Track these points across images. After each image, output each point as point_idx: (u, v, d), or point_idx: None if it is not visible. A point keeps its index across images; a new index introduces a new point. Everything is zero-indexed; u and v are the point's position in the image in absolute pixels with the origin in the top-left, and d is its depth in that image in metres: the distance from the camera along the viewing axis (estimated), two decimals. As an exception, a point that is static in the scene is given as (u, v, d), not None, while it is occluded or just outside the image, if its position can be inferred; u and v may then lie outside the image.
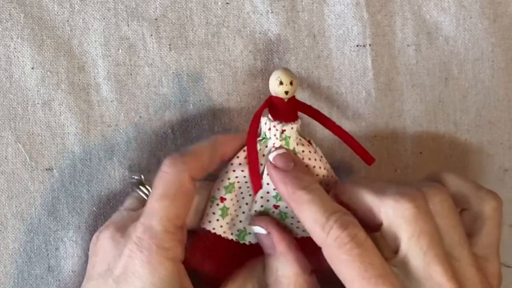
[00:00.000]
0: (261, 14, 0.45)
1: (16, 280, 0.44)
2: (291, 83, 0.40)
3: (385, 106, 0.47)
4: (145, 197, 0.42)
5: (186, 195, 0.39)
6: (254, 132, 0.41)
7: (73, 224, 0.44)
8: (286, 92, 0.40)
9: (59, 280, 0.44)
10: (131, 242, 0.38)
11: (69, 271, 0.44)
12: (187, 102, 0.45)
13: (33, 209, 0.44)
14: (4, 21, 0.44)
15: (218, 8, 0.45)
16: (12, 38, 0.44)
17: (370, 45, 0.46)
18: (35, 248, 0.44)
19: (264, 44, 0.45)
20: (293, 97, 0.41)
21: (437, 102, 0.47)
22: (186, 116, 0.45)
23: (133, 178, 0.43)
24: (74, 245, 0.44)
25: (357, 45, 0.46)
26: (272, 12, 0.45)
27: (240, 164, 0.41)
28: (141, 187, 0.42)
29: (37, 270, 0.44)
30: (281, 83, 0.40)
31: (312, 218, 0.37)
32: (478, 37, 0.47)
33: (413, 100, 0.47)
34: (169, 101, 0.45)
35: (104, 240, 0.40)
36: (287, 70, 0.40)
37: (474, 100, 0.48)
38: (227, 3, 0.45)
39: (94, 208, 0.45)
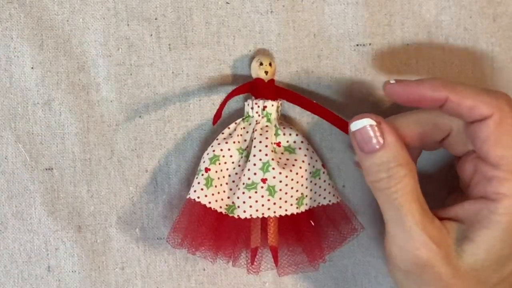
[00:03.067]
0: (261, 14, 0.45)
1: (16, 280, 0.44)
2: (270, 64, 0.44)
3: (385, 106, 0.47)
4: None
5: None
6: (230, 94, 0.43)
7: (73, 224, 0.44)
8: (266, 72, 0.43)
9: (59, 280, 0.44)
10: None
11: (69, 271, 0.44)
12: (187, 102, 0.45)
13: (33, 209, 0.44)
14: (4, 21, 0.43)
15: (218, 8, 0.45)
16: (12, 38, 0.44)
17: (370, 45, 0.46)
18: (35, 248, 0.44)
19: (264, 44, 0.45)
20: (273, 80, 0.44)
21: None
22: (186, 116, 0.45)
23: None
24: (74, 245, 0.44)
25: (357, 45, 0.46)
26: (272, 12, 0.45)
27: (224, 138, 0.43)
28: None
29: (37, 270, 0.44)
30: (261, 64, 0.43)
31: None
32: (478, 36, 0.47)
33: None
34: (169, 101, 0.45)
35: None
36: (266, 53, 0.45)
37: (474, 100, 0.48)
38: (227, 3, 0.45)
39: (94, 208, 0.45)
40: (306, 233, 0.44)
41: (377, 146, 0.39)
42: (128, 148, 0.45)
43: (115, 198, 0.45)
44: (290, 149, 0.44)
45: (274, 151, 0.43)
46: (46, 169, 0.44)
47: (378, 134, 0.39)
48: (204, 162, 0.43)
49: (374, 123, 0.39)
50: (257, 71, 0.44)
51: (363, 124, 0.39)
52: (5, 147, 0.44)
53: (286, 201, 0.44)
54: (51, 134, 0.44)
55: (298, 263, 0.45)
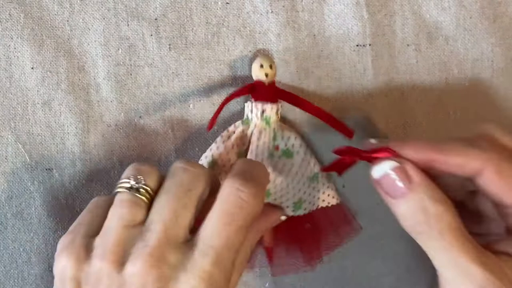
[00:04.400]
0: (261, 14, 0.45)
1: (16, 280, 0.44)
2: (270, 67, 0.43)
3: (385, 106, 0.47)
4: (147, 201, 0.37)
5: None
6: (229, 98, 0.42)
7: (73, 224, 0.44)
8: (266, 75, 0.43)
9: (59, 280, 0.44)
10: (195, 275, 0.34)
11: (69, 271, 0.44)
12: (187, 102, 0.45)
13: (33, 209, 0.44)
14: (4, 21, 0.43)
15: (218, 8, 0.45)
16: (12, 38, 0.44)
17: (370, 45, 0.46)
18: (35, 248, 0.44)
19: (264, 44, 0.45)
20: (273, 82, 0.43)
21: (437, 102, 0.47)
22: (186, 116, 0.45)
23: (133, 181, 0.37)
24: (74, 245, 0.44)
25: (357, 45, 0.46)
26: (272, 12, 0.45)
27: (223, 142, 0.43)
28: (142, 190, 0.37)
29: (37, 270, 0.44)
30: (261, 66, 0.43)
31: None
32: (478, 37, 0.47)
33: (413, 100, 0.47)
34: (169, 101, 0.45)
35: (134, 270, 0.34)
36: (267, 56, 0.44)
37: (474, 100, 0.48)
38: (227, 3, 0.45)
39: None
40: (303, 234, 0.44)
41: (408, 189, 0.37)
42: (128, 148, 0.45)
43: (115, 198, 0.45)
44: (288, 153, 0.44)
45: (272, 154, 0.43)
46: (46, 169, 0.44)
47: (404, 176, 0.37)
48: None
49: (397, 165, 0.37)
50: (258, 73, 0.43)
51: (385, 169, 0.37)
52: (5, 147, 0.44)
53: (281, 202, 0.44)
54: (51, 134, 0.44)
55: (294, 263, 0.45)
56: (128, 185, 0.37)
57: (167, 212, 0.35)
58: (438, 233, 0.36)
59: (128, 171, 0.38)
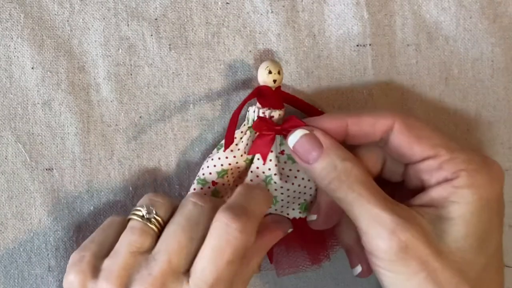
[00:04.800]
0: (261, 14, 0.45)
1: (16, 280, 0.44)
2: (278, 72, 0.42)
3: (385, 106, 0.47)
4: (156, 231, 0.39)
5: None
6: (240, 107, 0.42)
7: (73, 224, 0.44)
8: (274, 81, 0.42)
9: (59, 280, 0.44)
10: None
11: (69, 271, 0.44)
12: (187, 102, 0.45)
13: (33, 209, 0.44)
14: (4, 21, 0.43)
15: (218, 8, 0.45)
16: (12, 38, 0.44)
17: (370, 45, 0.46)
18: (35, 248, 0.44)
19: (264, 44, 0.45)
20: (279, 87, 0.43)
21: (437, 102, 0.47)
22: (186, 116, 0.45)
23: (146, 211, 0.39)
24: (74, 245, 0.44)
25: (357, 45, 0.46)
26: (272, 12, 0.45)
27: (232, 151, 0.42)
28: (152, 219, 0.39)
29: (37, 270, 0.44)
30: (270, 72, 0.42)
31: None
32: (478, 37, 0.47)
33: (413, 100, 0.47)
34: (169, 101, 0.45)
35: None
36: (275, 61, 0.43)
37: (474, 100, 0.48)
38: (227, 3, 0.45)
39: (94, 208, 0.45)
40: (309, 234, 0.44)
41: (319, 153, 0.40)
42: (128, 148, 0.45)
43: (115, 198, 0.45)
44: (293, 158, 0.43)
45: (277, 161, 0.43)
46: (46, 169, 0.44)
47: (314, 141, 0.40)
48: (210, 174, 0.42)
49: (307, 132, 0.40)
50: (266, 79, 0.42)
51: (298, 136, 0.40)
52: (5, 147, 0.44)
53: (287, 207, 0.44)
54: (51, 134, 0.44)
55: (298, 263, 0.45)
56: (140, 214, 0.39)
57: (173, 244, 0.37)
58: (347, 186, 0.38)
59: (143, 200, 0.40)
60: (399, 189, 0.42)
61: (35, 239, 0.44)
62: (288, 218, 0.44)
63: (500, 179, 0.39)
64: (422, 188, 0.40)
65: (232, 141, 0.42)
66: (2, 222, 0.44)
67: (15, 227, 0.44)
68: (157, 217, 0.39)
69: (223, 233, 0.37)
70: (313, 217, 0.43)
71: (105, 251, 0.39)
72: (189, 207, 0.39)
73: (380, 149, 0.42)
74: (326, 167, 0.39)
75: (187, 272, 0.37)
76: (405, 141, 0.39)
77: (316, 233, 0.44)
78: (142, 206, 0.39)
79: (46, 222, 0.44)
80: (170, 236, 0.38)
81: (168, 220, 0.39)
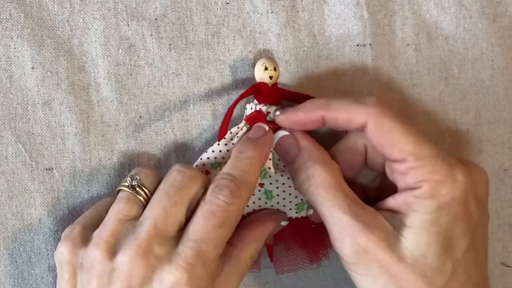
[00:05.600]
0: (261, 14, 0.45)
1: (16, 280, 0.44)
2: (274, 69, 0.43)
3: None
4: (143, 201, 0.40)
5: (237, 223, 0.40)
6: (235, 103, 0.43)
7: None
8: (271, 77, 0.43)
9: (59, 280, 0.44)
10: (178, 266, 0.37)
11: (69, 271, 0.44)
12: (187, 102, 0.45)
13: (33, 209, 0.44)
14: (4, 21, 0.43)
15: (218, 8, 0.45)
16: (12, 38, 0.44)
17: (370, 45, 0.46)
18: (35, 248, 0.44)
19: (264, 44, 0.45)
20: (276, 84, 0.43)
21: (437, 102, 0.47)
22: (186, 116, 0.45)
23: (130, 179, 0.41)
24: (74, 245, 0.44)
25: (357, 45, 0.46)
26: (272, 12, 0.45)
27: (226, 144, 0.43)
28: (138, 189, 0.41)
29: (37, 270, 0.44)
30: (266, 68, 0.43)
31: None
32: (478, 37, 0.47)
33: (413, 100, 0.47)
34: (169, 101, 0.45)
35: (123, 259, 0.38)
36: (271, 58, 0.44)
37: (474, 100, 0.48)
38: (227, 3, 0.45)
39: (94, 208, 0.45)
40: (307, 234, 0.44)
41: (295, 153, 0.41)
42: (128, 148, 0.45)
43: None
44: None
45: (271, 158, 0.43)
46: (46, 169, 0.44)
47: (294, 142, 0.42)
48: (204, 165, 0.43)
49: (287, 133, 0.42)
50: (262, 76, 0.43)
51: (278, 136, 0.42)
52: (5, 147, 0.44)
53: (284, 205, 0.44)
54: (51, 134, 0.44)
55: (297, 262, 0.45)
56: (126, 184, 0.41)
57: (158, 209, 0.39)
58: (314, 189, 0.39)
59: (130, 173, 0.42)
60: (385, 184, 0.43)
61: (35, 239, 0.44)
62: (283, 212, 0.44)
63: (474, 182, 0.39)
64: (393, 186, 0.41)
65: (225, 133, 0.43)
66: (2, 222, 0.44)
67: (15, 227, 0.44)
68: (143, 187, 0.40)
69: (215, 199, 0.38)
70: (310, 211, 0.44)
71: (96, 224, 0.40)
72: (173, 173, 0.40)
73: (363, 137, 0.42)
74: (298, 168, 0.41)
75: (174, 237, 0.38)
76: (375, 142, 0.40)
77: (315, 232, 0.44)
78: (127, 176, 0.41)
79: (46, 222, 0.44)
80: (155, 202, 0.39)
81: (155, 190, 0.40)
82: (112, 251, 0.38)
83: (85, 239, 0.39)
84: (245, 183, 0.39)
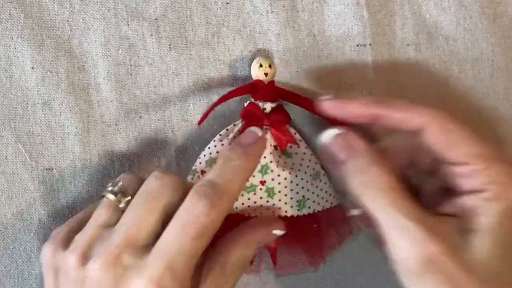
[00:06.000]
0: (261, 14, 0.45)
1: (16, 280, 0.44)
2: (269, 66, 0.43)
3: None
4: (123, 207, 0.39)
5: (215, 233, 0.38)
6: (227, 96, 0.43)
7: (73, 224, 0.44)
8: (266, 74, 0.43)
9: (59, 280, 0.44)
10: (146, 279, 0.36)
11: (69, 271, 0.44)
12: (187, 102, 0.45)
13: (33, 209, 0.44)
14: (4, 21, 0.44)
15: (218, 8, 0.45)
16: (12, 38, 0.44)
17: (370, 45, 0.46)
18: (35, 248, 0.44)
19: (264, 44, 0.45)
20: (272, 81, 0.43)
21: (437, 102, 0.47)
22: (186, 116, 0.45)
23: (112, 185, 0.40)
24: (74, 245, 0.44)
25: (357, 45, 0.46)
26: (272, 12, 0.45)
27: (221, 140, 0.43)
28: (119, 196, 0.40)
29: (37, 270, 0.44)
30: (261, 65, 0.43)
31: None
32: (478, 37, 0.47)
33: (413, 100, 0.47)
34: (169, 101, 0.45)
35: (94, 266, 0.37)
36: (266, 56, 0.45)
37: (474, 100, 0.48)
38: (227, 3, 0.45)
39: (94, 208, 0.45)
40: (307, 234, 0.44)
41: (349, 155, 0.39)
42: (128, 148, 0.45)
43: (115, 198, 0.45)
44: (287, 153, 0.44)
45: (272, 153, 0.43)
46: (46, 169, 0.44)
47: (347, 143, 0.39)
48: (200, 164, 0.43)
49: (340, 132, 0.40)
50: (257, 73, 0.43)
51: (331, 135, 0.40)
52: (5, 147, 0.44)
53: (286, 203, 0.43)
54: (51, 134, 0.44)
55: (297, 264, 0.45)
56: (109, 189, 0.40)
57: (132, 216, 0.38)
58: (374, 193, 0.37)
59: (116, 178, 0.41)
60: (424, 184, 0.42)
61: (35, 239, 0.44)
62: (282, 220, 0.43)
63: None
64: (448, 189, 0.39)
65: (206, 117, 0.43)
66: (2, 222, 0.44)
67: (15, 227, 0.44)
68: (125, 192, 0.40)
69: (192, 209, 0.37)
70: (356, 211, 0.41)
71: (82, 227, 0.40)
72: (150, 180, 0.39)
73: (409, 139, 0.40)
74: (353, 170, 0.38)
75: (147, 246, 0.37)
76: (438, 145, 0.38)
77: (314, 234, 0.44)
78: (110, 182, 0.41)
79: (46, 222, 0.44)
80: (130, 209, 0.38)
81: None
82: (86, 257, 0.38)
83: (66, 242, 0.39)
84: (227, 192, 0.38)
